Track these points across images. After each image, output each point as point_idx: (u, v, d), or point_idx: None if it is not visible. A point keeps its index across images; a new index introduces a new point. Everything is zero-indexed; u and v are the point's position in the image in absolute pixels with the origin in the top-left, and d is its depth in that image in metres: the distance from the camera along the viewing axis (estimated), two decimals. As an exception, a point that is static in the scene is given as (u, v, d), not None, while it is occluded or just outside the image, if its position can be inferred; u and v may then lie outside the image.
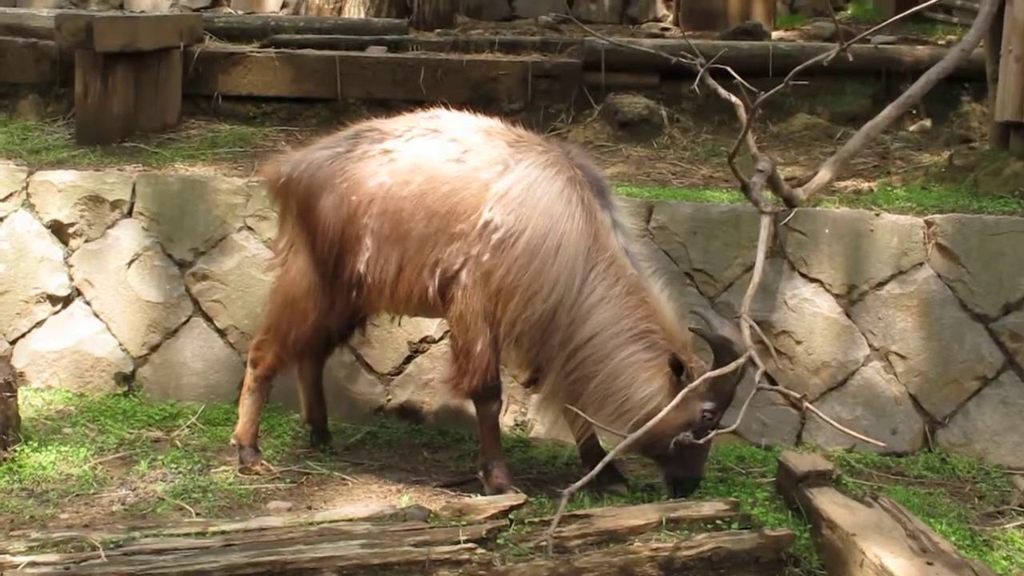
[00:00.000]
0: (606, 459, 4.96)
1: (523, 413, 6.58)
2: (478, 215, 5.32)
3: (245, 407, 5.96)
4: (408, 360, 6.73)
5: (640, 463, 5.91)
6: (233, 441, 6.00)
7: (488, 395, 5.49)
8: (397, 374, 6.74)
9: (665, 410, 4.92)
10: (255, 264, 6.81)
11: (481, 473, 5.59)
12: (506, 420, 6.52)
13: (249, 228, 6.92)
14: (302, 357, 5.96)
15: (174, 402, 6.83)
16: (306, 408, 6.26)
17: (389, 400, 6.73)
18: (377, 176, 5.51)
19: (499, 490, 5.43)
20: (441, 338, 6.55)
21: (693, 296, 6.50)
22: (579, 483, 4.82)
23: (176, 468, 5.88)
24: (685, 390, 4.98)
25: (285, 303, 5.78)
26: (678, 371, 5.21)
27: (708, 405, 5.21)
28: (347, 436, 6.43)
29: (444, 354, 5.71)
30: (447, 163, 5.44)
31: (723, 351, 5.15)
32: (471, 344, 5.39)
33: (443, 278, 5.40)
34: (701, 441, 5.09)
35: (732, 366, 5.11)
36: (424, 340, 6.70)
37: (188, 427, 6.46)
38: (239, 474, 5.83)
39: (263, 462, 5.93)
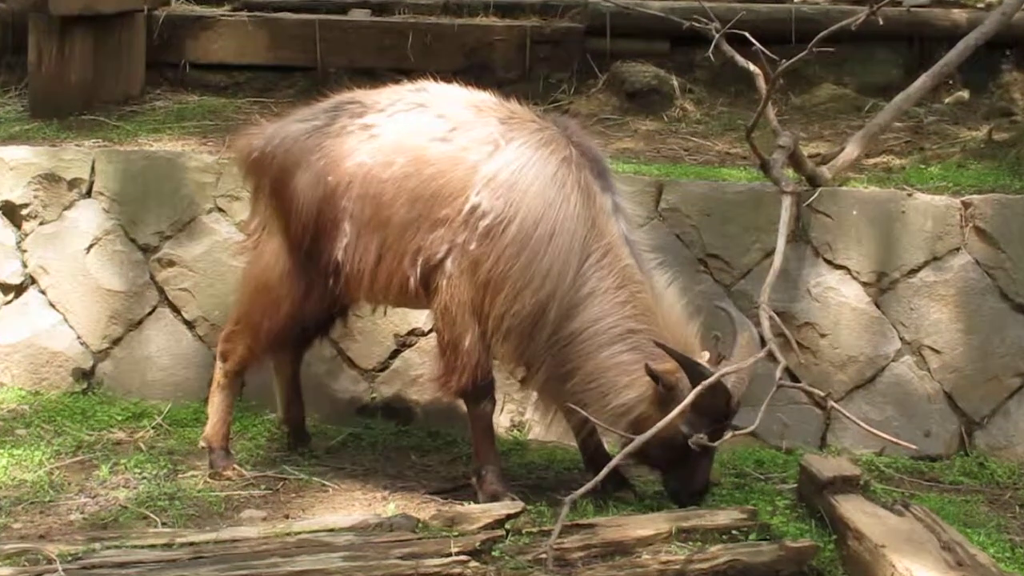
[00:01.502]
0: (611, 464, 4.95)
1: (520, 413, 6.57)
2: (464, 199, 5.32)
3: (215, 406, 5.95)
4: (394, 355, 6.72)
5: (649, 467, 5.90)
6: (202, 443, 5.98)
7: (479, 394, 5.49)
8: (382, 370, 6.73)
9: (659, 425, 4.93)
10: (226, 249, 6.79)
11: (474, 479, 5.58)
12: (501, 421, 6.52)
13: (220, 209, 6.89)
14: (277, 350, 5.97)
15: (138, 401, 6.81)
16: (282, 407, 6.26)
17: (374, 398, 6.72)
18: (357, 154, 5.50)
19: (494, 497, 5.42)
20: (431, 330, 6.53)
21: (707, 284, 6.49)
22: (582, 489, 4.81)
23: (140, 473, 5.87)
24: (676, 410, 4.94)
25: (257, 290, 5.77)
26: (655, 381, 5.21)
27: (684, 427, 5.15)
28: (328, 438, 6.42)
29: (433, 348, 5.70)
30: (432, 142, 5.43)
31: (692, 374, 5.11)
32: (458, 339, 5.39)
33: (426, 267, 5.40)
34: (712, 444, 5.11)
35: (735, 370, 5.07)
36: (412, 332, 6.70)
37: (153, 428, 6.45)
38: (209, 480, 5.82)
39: (235, 466, 5.92)
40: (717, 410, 5.18)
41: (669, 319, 5.35)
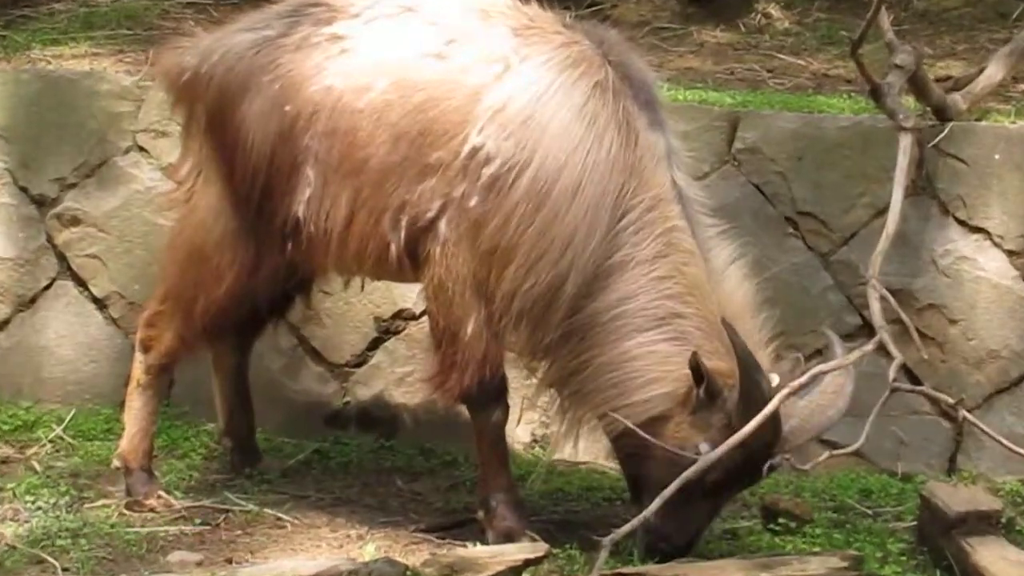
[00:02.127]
0: (665, 493, 4.94)
1: (544, 424, 6.58)
2: (463, 139, 5.31)
3: (134, 412, 5.97)
4: (375, 345, 6.75)
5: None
6: (117, 463, 6.02)
7: (487, 398, 5.49)
8: (359, 365, 6.76)
9: (730, 443, 4.90)
10: (149, 202, 6.80)
11: (481, 512, 5.59)
12: (519, 434, 6.55)
13: (141, 149, 6.91)
14: (216, 338, 5.98)
15: (30, 405, 6.86)
16: (224, 415, 6.28)
17: (347, 403, 6.75)
18: (323, 75, 5.51)
19: (508, 536, 5.44)
20: (424, 313, 6.54)
21: (798, 253, 6.49)
22: (626, 527, 4.82)
23: (33, 502, 5.89)
24: (740, 435, 4.88)
25: (190, 258, 5.78)
26: (698, 380, 5.17)
27: (704, 446, 5.15)
28: (285, 456, 6.45)
29: (426, 337, 5.70)
30: (423, 59, 5.43)
31: (750, 387, 5.04)
32: (457, 325, 5.40)
33: (412, 229, 5.41)
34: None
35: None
36: (399, 315, 6.71)
37: (51, 442, 6.49)
38: (126, 511, 5.84)
39: (161, 493, 5.94)
40: (754, 442, 5.11)
41: (728, 307, 5.30)
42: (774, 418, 4.98)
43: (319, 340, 6.78)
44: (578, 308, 5.30)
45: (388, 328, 6.74)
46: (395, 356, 6.72)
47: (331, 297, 6.61)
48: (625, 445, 5.33)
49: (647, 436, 5.07)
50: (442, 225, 5.37)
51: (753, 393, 4.99)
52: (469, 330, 5.39)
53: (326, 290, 6.42)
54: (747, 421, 4.94)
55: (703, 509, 5.27)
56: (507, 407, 5.59)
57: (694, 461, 5.01)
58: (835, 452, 5.11)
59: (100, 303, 6.94)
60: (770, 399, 4.97)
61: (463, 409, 5.68)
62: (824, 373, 5.11)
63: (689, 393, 5.21)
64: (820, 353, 5.53)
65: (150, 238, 6.77)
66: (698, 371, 5.15)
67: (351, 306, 6.71)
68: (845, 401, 5.19)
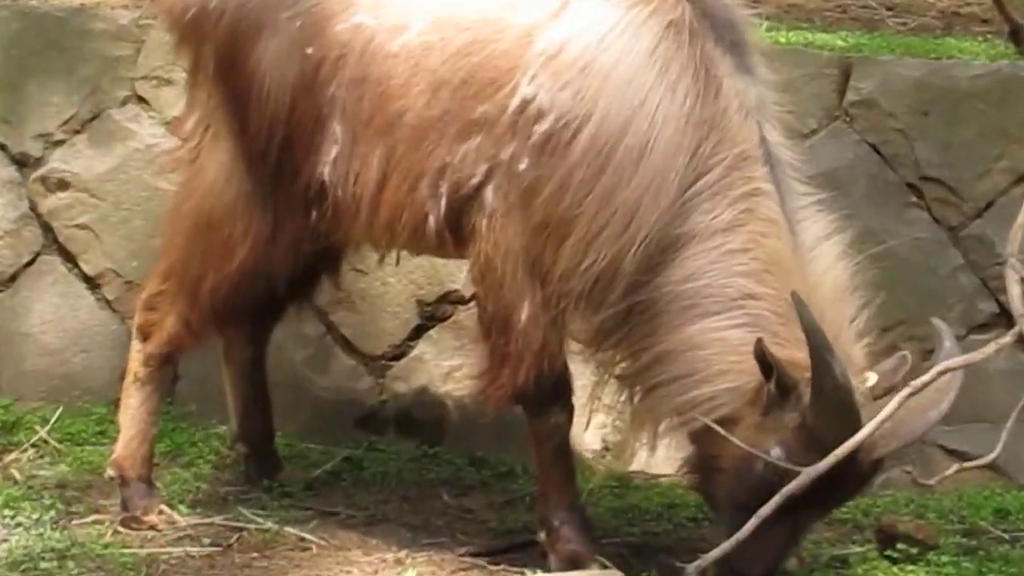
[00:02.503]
0: (760, 513, 4.90)
1: (617, 428, 6.58)
2: (512, 89, 5.30)
3: (131, 412, 6.00)
4: (417, 333, 6.78)
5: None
6: (111, 471, 6.03)
7: (545, 398, 5.49)
8: (397, 358, 6.79)
9: (867, 429, 4.85)
10: (150, 162, 6.84)
11: (542, 533, 5.60)
12: (588, 440, 6.56)
13: (141, 100, 6.96)
14: (228, 324, 6.01)
15: (9, 403, 6.92)
16: (238, 415, 6.33)
17: (383, 403, 6.79)
18: (351, 11, 5.52)
19: (573, 561, 5.45)
20: (473, 297, 6.55)
21: (922, 226, 6.47)
22: (714, 552, 4.78)
23: (13, 517, 5.94)
24: (875, 421, 4.79)
25: (197, 227, 5.80)
26: (766, 371, 5.11)
27: (776, 451, 5.09)
28: (310, 464, 6.50)
29: (476, 325, 5.69)
30: None
31: (816, 362, 4.96)
32: (508, 311, 5.40)
33: (454, 198, 5.41)
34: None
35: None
36: (445, 298, 6.74)
37: (34, 446, 6.54)
38: (122, 528, 5.88)
39: (163, 508, 5.98)
40: (832, 447, 5.03)
41: (816, 291, 5.23)
42: (854, 420, 4.91)
43: (350, 327, 6.81)
44: (638, 285, 5.28)
45: (433, 313, 6.76)
46: (441, 347, 6.74)
47: (365, 276, 6.64)
48: (694, 453, 5.32)
49: (724, 432, 4.98)
50: (488, 193, 5.38)
51: (824, 380, 4.92)
52: (523, 316, 5.39)
53: (359, 267, 6.45)
54: (819, 417, 4.93)
55: (780, 533, 5.15)
56: (571, 408, 5.58)
57: (769, 473, 4.99)
58: (966, 465, 5.06)
59: (92, 282, 6.99)
60: (847, 387, 4.91)
61: (520, 410, 5.66)
62: (951, 371, 5.07)
63: (760, 389, 5.15)
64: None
65: (151, 205, 6.81)
66: (765, 361, 5.10)
67: (389, 287, 6.73)
68: (949, 401, 5.13)
